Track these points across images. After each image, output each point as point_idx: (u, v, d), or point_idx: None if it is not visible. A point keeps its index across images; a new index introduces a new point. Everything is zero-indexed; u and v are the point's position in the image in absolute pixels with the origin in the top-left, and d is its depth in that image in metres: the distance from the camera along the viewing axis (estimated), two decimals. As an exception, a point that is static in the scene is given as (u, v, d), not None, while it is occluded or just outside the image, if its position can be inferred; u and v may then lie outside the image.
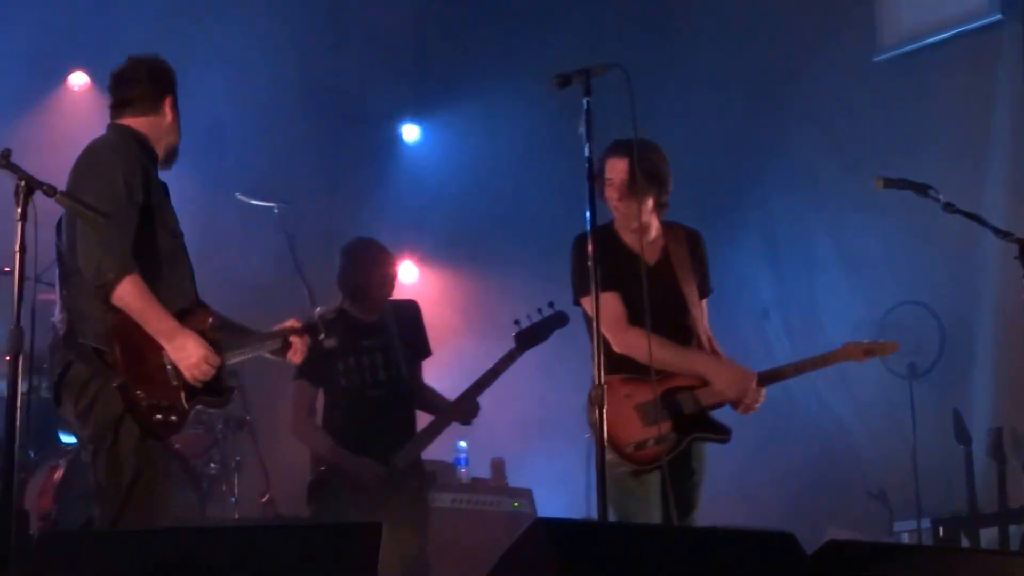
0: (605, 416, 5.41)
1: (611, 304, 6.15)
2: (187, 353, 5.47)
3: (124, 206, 5.55)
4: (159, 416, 5.45)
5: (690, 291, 6.54)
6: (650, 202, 6.43)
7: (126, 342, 5.44)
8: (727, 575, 3.81)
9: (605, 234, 6.25)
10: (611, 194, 6.40)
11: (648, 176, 6.37)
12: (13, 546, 5.17)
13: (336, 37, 11.25)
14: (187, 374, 5.45)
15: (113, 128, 5.92)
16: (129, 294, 5.41)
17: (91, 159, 5.70)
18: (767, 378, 6.35)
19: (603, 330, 5.77)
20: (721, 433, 6.37)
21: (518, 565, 3.62)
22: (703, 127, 10.33)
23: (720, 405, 6.33)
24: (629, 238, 6.38)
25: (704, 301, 6.63)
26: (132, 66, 6.13)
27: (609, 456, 5.69)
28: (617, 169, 6.42)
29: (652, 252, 6.48)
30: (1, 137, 5.82)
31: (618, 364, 6.13)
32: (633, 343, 6.14)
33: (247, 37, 10.58)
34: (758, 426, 9.98)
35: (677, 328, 6.43)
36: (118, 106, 6.01)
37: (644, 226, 6.37)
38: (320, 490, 7.08)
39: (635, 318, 6.23)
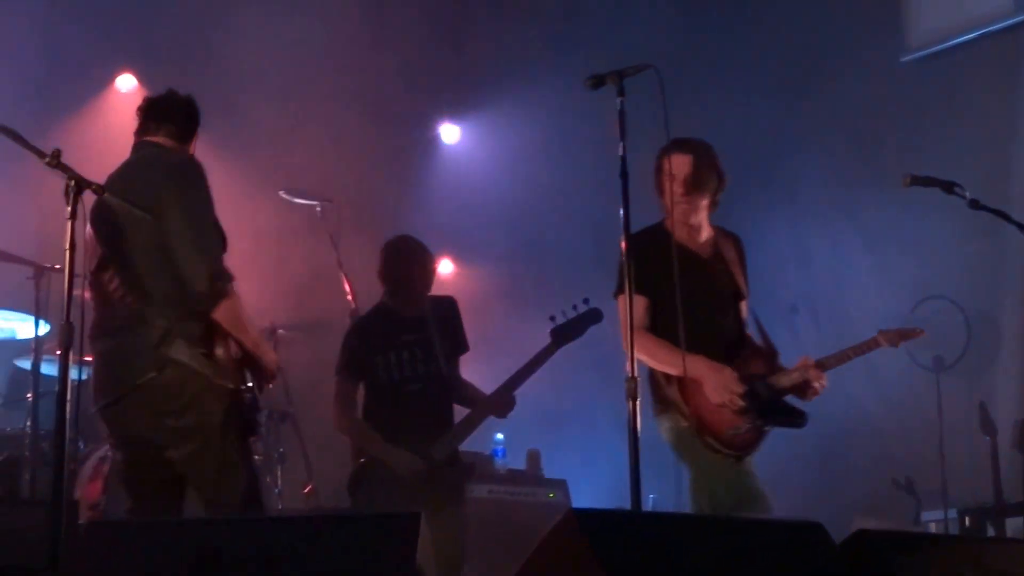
0: (677, 408, 5.96)
1: (635, 309, 6.11)
2: (264, 349, 5.84)
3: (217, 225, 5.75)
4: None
5: (741, 287, 6.60)
6: (707, 199, 6.46)
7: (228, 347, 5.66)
8: (757, 564, 3.81)
9: (658, 233, 6.33)
10: (675, 188, 6.38)
11: (711, 171, 6.43)
12: (64, 534, 5.23)
13: (377, 40, 11.24)
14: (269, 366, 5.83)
15: (182, 150, 5.97)
16: (229, 308, 5.61)
17: (195, 175, 5.76)
18: (821, 365, 6.38)
19: (626, 335, 5.84)
20: (798, 417, 6.41)
21: (553, 554, 3.63)
22: (734, 127, 10.28)
23: (791, 391, 6.37)
24: (682, 235, 6.37)
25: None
26: (177, 98, 6.11)
27: (709, 441, 6.04)
28: (681, 164, 6.42)
29: (705, 249, 6.51)
30: (52, 137, 5.85)
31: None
32: (638, 345, 6.07)
33: (290, 39, 10.61)
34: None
35: (735, 321, 6.52)
36: (173, 134, 6.00)
37: (698, 224, 6.44)
38: (360, 482, 7.08)
39: (696, 314, 6.23)
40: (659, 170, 6.46)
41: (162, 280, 5.62)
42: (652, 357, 6.24)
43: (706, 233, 6.54)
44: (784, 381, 6.36)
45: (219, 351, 5.66)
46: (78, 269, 5.27)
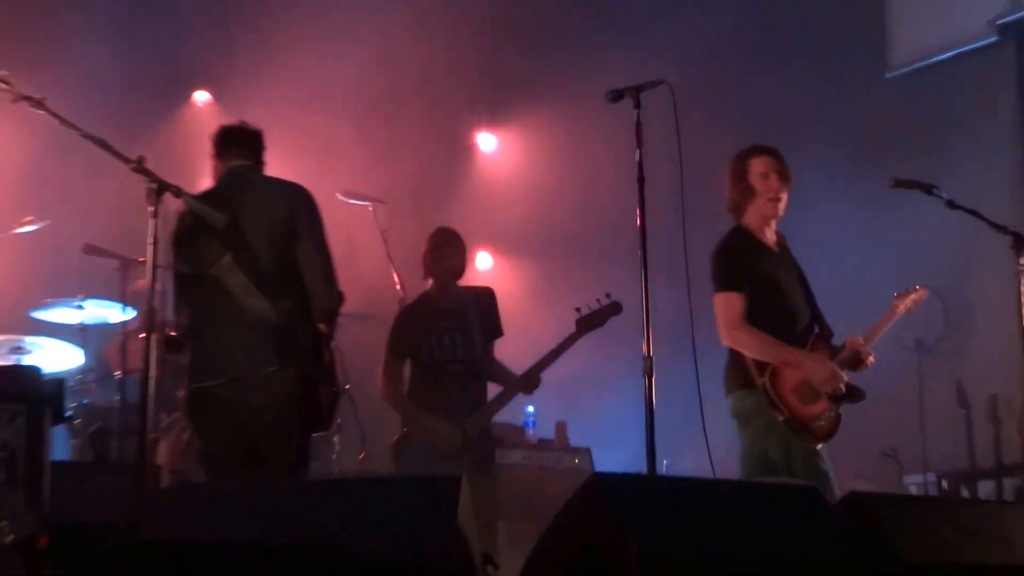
0: (772, 403, 5.99)
1: (734, 303, 6.16)
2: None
3: None
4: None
5: (806, 278, 6.59)
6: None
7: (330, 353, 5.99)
8: (762, 523, 3.79)
9: (740, 233, 6.36)
10: (771, 185, 6.37)
11: (787, 168, 6.46)
12: (146, 495, 5.25)
13: (424, 63, 11.27)
14: None
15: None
16: (334, 323, 5.98)
17: (316, 205, 5.99)
18: (866, 340, 6.34)
19: (719, 325, 6.07)
20: (860, 395, 6.33)
21: (577, 514, 3.63)
22: (737, 136, 10.28)
23: (849, 368, 6.30)
24: (760, 233, 6.40)
25: None
26: (252, 129, 6.23)
27: (806, 437, 6.04)
28: (768, 163, 6.41)
29: (774, 244, 6.49)
30: (136, 146, 5.85)
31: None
32: (740, 340, 6.14)
33: (349, 61, 10.62)
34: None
35: (806, 309, 6.45)
36: (251, 158, 6.13)
37: (774, 220, 6.45)
38: (402, 449, 7.09)
39: (782, 304, 6.30)
40: (743, 173, 6.42)
41: (291, 288, 5.75)
42: (754, 350, 6.15)
43: (774, 229, 6.51)
44: (846, 361, 6.28)
45: (325, 355, 5.86)
46: (159, 261, 5.33)
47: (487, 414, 7.16)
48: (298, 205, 5.91)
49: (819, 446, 6.15)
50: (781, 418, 6.08)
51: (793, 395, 6.11)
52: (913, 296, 6.68)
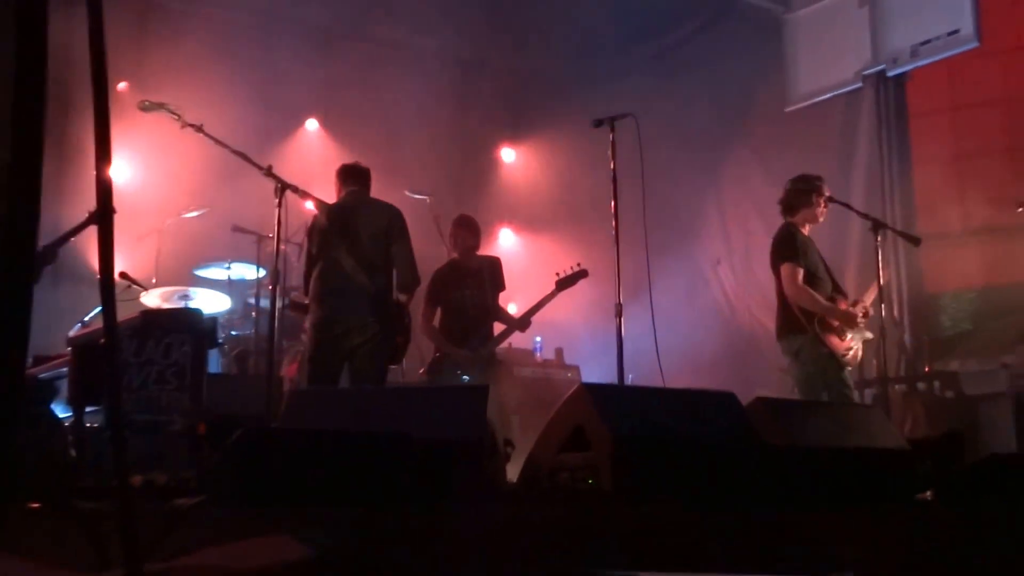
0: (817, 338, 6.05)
1: (797, 272, 6.22)
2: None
3: None
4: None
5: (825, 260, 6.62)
6: None
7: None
8: (697, 419, 3.78)
9: (793, 228, 6.43)
10: (823, 208, 6.50)
11: None
12: (274, 400, 5.27)
13: (461, 96, 11.21)
14: None
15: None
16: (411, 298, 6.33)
17: (404, 219, 6.26)
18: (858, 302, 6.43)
19: (786, 286, 6.22)
20: (867, 330, 6.38)
21: (570, 409, 3.63)
22: (681, 152, 10.25)
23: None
24: (805, 230, 6.47)
25: None
26: (363, 167, 6.46)
27: (841, 360, 6.15)
28: (828, 195, 6.52)
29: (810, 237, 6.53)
30: (264, 159, 5.90)
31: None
32: (803, 297, 6.19)
33: (414, 93, 10.57)
34: (709, 329, 9.97)
35: (830, 278, 6.50)
36: (366, 187, 6.36)
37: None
38: (434, 367, 7.13)
39: (825, 276, 6.41)
40: (816, 191, 6.47)
41: (384, 271, 6.08)
42: (815, 304, 6.18)
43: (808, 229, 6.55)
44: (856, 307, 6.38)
45: (404, 317, 6.15)
46: (282, 236, 5.35)
47: (494, 343, 7.20)
48: (394, 219, 6.19)
49: (847, 369, 6.26)
50: (826, 351, 6.13)
51: (833, 335, 6.14)
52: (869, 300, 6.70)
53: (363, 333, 5.88)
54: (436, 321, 7.28)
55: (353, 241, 5.98)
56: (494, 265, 7.38)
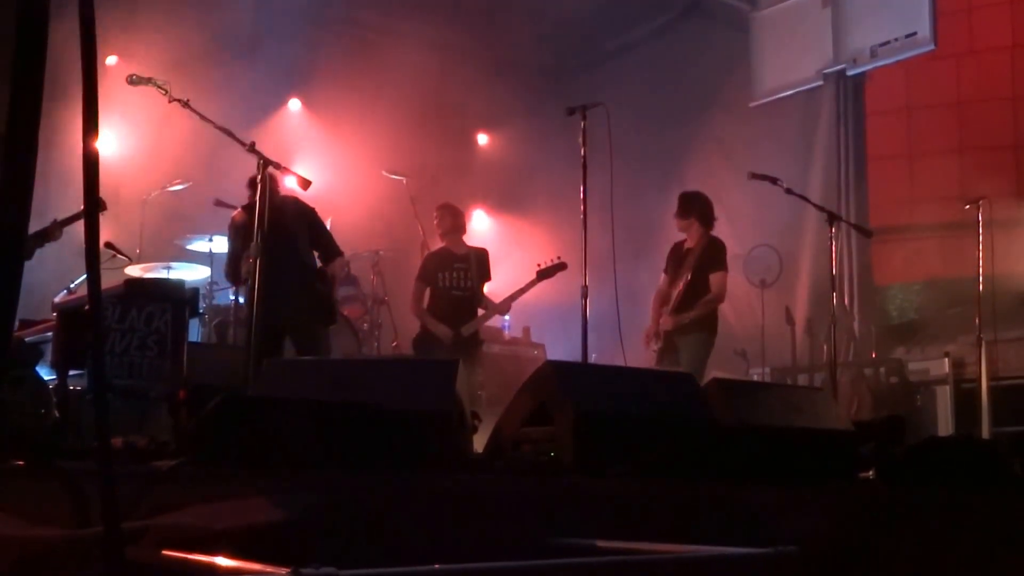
0: None
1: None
2: None
3: None
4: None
5: None
6: None
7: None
8: (656, 397, 3.80)
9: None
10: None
11: None
12: (254, 366, 5.22)
13: (440, 85, 11.12)
14: None
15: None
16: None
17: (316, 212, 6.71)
18: None
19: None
20: None
21: (535, 385, 3.65)
22: (646, 143, 10.30)
23: None
24: None
25: None
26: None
27: None
28: None
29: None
30: (247, 136, 5.85)
31: None
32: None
33: (392, 85, 10.48)
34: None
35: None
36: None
37: None
38: (419, 343, 7.35)
39: None
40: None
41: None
42: None
43: None
44: None
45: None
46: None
47: (476, 324, 7.38)
48: (310, 211, 6.61)
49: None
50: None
51: None
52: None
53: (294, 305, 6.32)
54: (425, 303, 7.45)
55: (281, 231, 6.14)
56: (481, 256, 7.59)
